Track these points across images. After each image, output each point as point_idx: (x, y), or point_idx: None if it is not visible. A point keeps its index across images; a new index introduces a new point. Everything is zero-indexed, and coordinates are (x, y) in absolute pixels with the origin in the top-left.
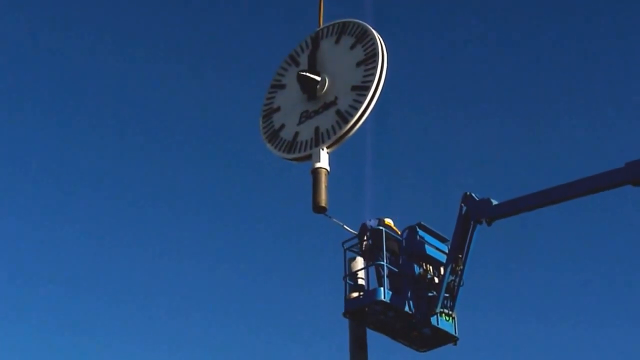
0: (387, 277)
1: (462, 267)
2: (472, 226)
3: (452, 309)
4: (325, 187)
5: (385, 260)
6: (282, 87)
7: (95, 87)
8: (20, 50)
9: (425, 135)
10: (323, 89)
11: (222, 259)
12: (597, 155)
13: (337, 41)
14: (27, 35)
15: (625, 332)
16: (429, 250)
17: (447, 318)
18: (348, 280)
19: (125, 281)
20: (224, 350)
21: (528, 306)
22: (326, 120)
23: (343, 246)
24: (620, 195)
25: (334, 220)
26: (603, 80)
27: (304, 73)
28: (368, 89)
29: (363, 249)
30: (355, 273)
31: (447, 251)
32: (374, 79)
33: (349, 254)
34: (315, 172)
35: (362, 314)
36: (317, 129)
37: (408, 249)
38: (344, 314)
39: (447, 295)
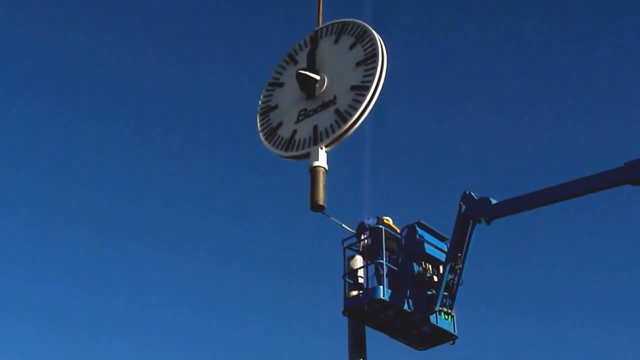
0: (386, 275)
1: (461, 265)
2: (471, 225)
3: (451, 307)
4: (324, 185)
5: (384, 259)
6: (280, 85)
7: (95, 87)
8: (20, 50)
9: (425, 134)
10: (322, 88)
11: (221, 258)
12: (597, 155)
13: (336, 41)
14: (27, 35)
15: (625, 330)
16: (428, 249)
17: (446, 316)
18: (347, 279)
19: (125, 280)
20: (223, 348)
21: (527, 305)
22: (325, 119)
23: (343, 244)
24: (619, 195)
25: (332, 219)
26: (603, 80)
27: (304, 72)
28: (368, 89)
29: (361, 247)
30: (355, 271)
31: (446, 250)
32: (374, 79)
33: (349, 252)
34: (314, 170)
35: (362, 313)
36: (315, 127)
37: (407, 247)
38: (344, 313)
39: (446, 293)
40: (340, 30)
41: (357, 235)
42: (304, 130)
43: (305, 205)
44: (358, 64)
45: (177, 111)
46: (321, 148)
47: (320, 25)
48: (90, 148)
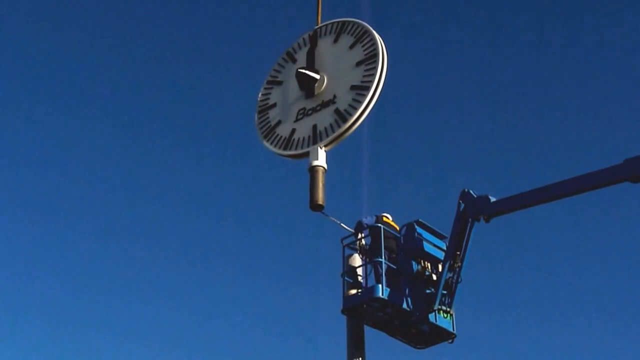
0: (385, 274)
1: (460, 264)
2: (470, 223)
3: (450, 306)
4: (323, 185)
5: (383, 257)
6: (279, 83)
7: (95, 87)
8: (20, 50)
9: (423, 133)
10: (321, 87)
11: (219, 257)
12: (596, 152)
13: (335, 40)
14: (27, 35)
15: (625, 329)
16: (427, 247)
17: (445, 315)
18: (346, 277)
19: (125, 280)
20: (221, 347)
21: (526, 303)
22: (324, 118)
23: (342, 243)
24: (619, 192)
25: (331, 218)
26: (602, 78)
27: (303, 71)
28: (368, 89)
29: (359, 246)
30: (354, 270)
31: (445, 248)
32: (374, 79)
33: (347, 251)
34: (313, 170)
35: (360, 311)
36: (314, 126)
37: (406, 246)
38: (342, 311)
39: (445, 292)
40: (340, 30)
41: (356, 233)
42: (303, 129)
43: (305, 205)
44: (358, 63)
45: (176, 111)
46: (320, 147)
47: (319, 24)
48: (90, 147)
